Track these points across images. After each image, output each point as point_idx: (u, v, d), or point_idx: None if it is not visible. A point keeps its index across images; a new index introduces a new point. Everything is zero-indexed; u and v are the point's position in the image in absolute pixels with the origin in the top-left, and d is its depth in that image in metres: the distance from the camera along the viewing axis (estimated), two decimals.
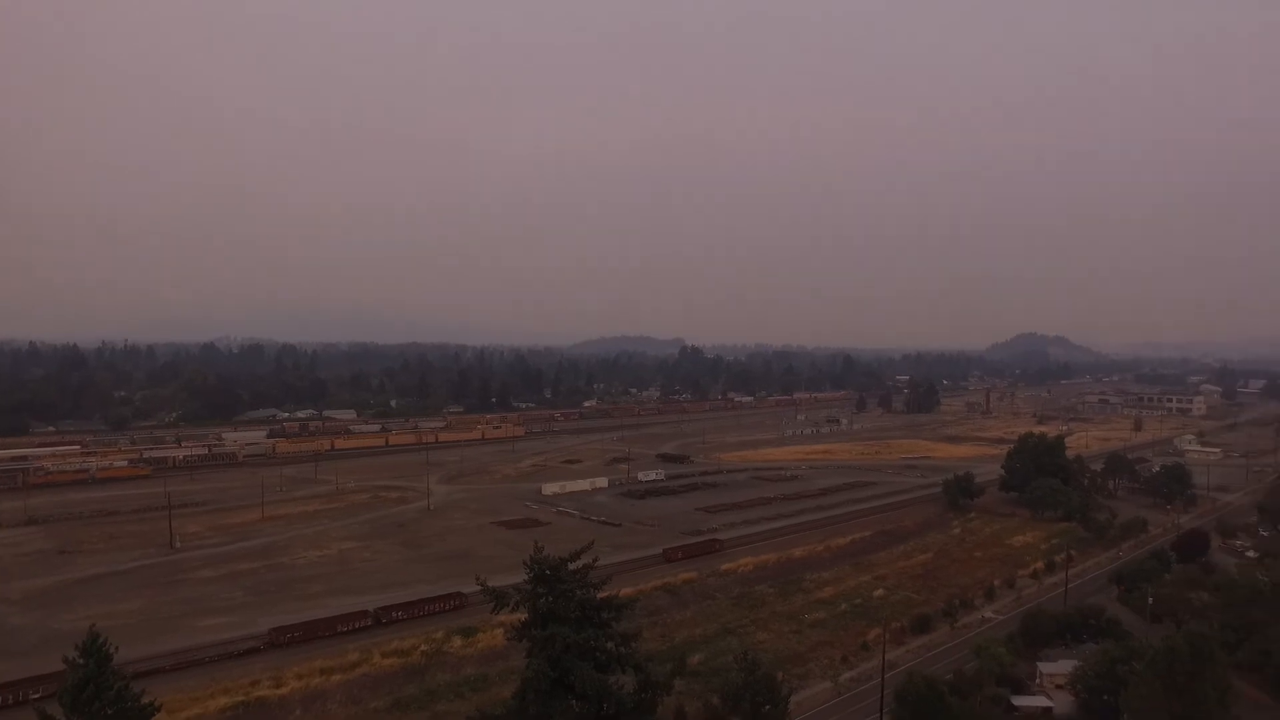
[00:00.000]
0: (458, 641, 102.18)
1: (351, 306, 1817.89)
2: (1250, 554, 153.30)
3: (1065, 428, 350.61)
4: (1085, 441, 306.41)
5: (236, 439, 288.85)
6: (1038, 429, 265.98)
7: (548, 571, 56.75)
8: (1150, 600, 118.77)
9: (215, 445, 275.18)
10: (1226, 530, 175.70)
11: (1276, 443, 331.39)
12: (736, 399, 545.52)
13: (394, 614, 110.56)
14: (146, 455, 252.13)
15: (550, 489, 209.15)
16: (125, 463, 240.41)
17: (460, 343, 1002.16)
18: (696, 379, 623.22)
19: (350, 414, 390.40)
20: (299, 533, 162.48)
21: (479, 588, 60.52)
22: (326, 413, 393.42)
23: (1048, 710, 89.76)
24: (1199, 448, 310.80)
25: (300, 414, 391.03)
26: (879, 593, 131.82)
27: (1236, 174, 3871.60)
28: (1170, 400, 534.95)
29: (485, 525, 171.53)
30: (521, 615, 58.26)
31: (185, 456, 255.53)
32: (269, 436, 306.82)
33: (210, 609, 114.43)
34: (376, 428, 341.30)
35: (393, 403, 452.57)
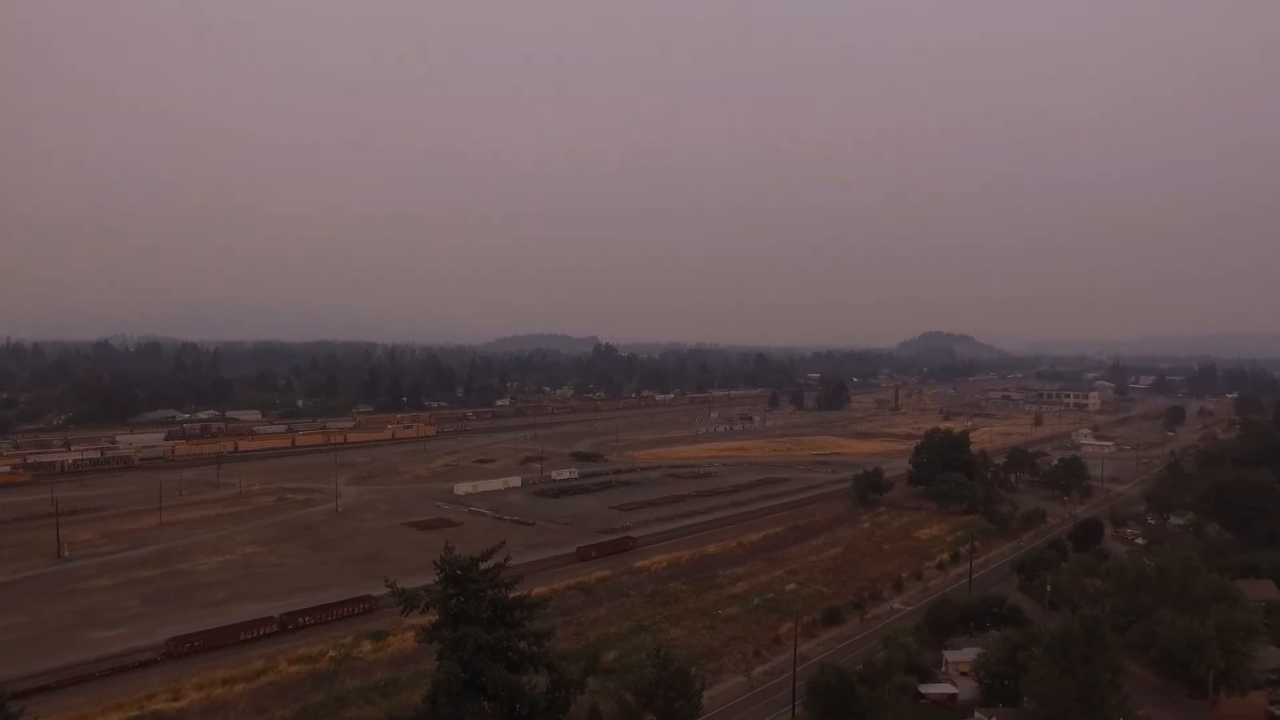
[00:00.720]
0: (368, 646, 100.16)
1: (257, 304, 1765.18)
2: (1139, 541, 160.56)
3: (970, 423, 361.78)
4: (989, 436, 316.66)
5: (132, 441, 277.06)
6: (944, 425, 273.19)
7: (459, 572, 55.95)
8: (1048, 588, 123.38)
9: (109, 448, 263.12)
10: (1119, 519, 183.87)
11: (1164, 435, 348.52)
12: (651, 397, 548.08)
13: (301, 619, 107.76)
14: (30, 460, 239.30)
15: (462, 489, 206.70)
16: (8, 468, 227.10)
17: (371, 341, 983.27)
18: (611, 377, 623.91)
19: (255, 414, 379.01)
20: (200, 538, 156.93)
21: (389, 590, 59.38)
22: (230, 413, 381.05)
23: (953, 697, 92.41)
24: (1094, 441, 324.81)
25: (202, 415, 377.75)
26: (791, 587, 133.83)
27: (1130, 179, 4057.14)
28: (1068, 396, 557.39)
29: (396, 526, 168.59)
30: (433, 617, 57.35)
31: (75, 461, 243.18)
32: (168, 438, 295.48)
33: (103, 620, 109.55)
34: (283, 428, 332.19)
35: (300, 402, 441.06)
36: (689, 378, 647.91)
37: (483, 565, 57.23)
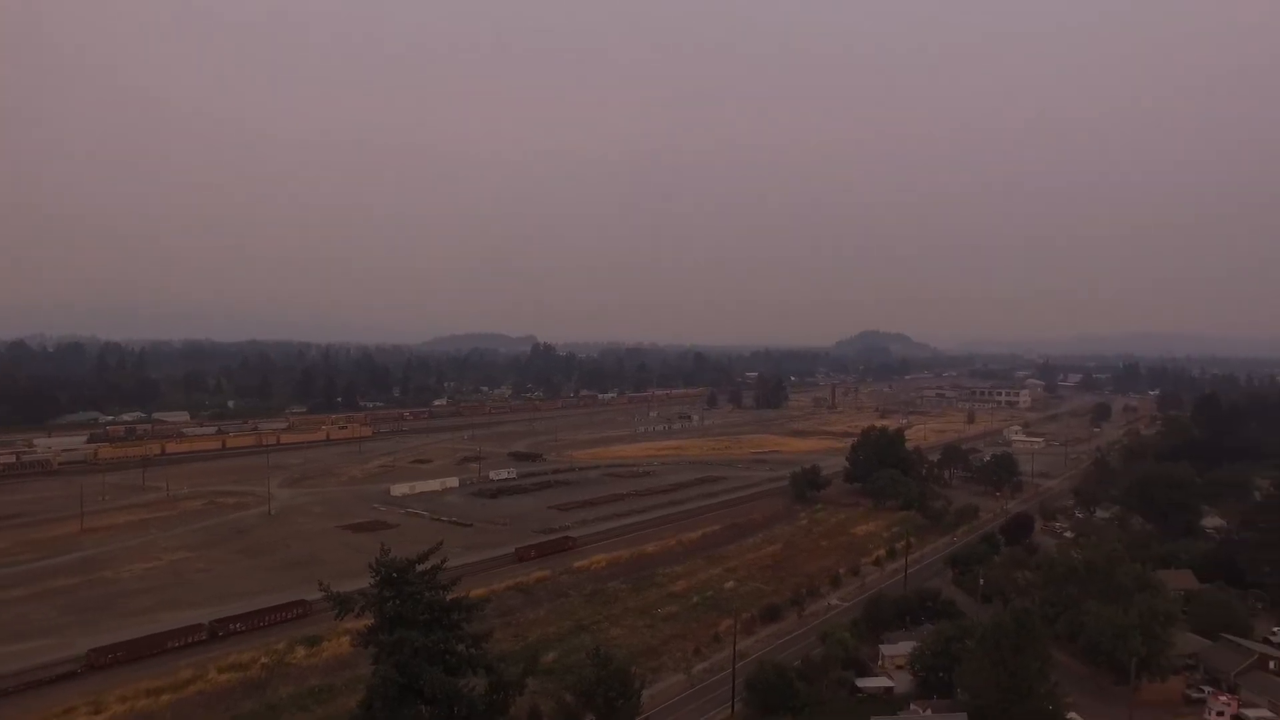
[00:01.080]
0: (301, 651, 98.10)
1: (185, 303, 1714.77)
2: (1067, 534, 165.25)
3: (905, 421, 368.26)
4: (923, 434, 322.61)
5: (50, 445, 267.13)
6: (880, 423, 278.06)
7: (395, 574, 55.12)
8: (981, 581, 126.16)
9: (25, 453, 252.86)
10: (1048, 513, 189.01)
11: (1091, 432, 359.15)
12: (589, 396, 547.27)
13: (232, 626, 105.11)
14: None
15: (399, 490, 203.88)
16: None
17: (304, 340, 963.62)
18: (549, 376, 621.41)
19: (183, 416, 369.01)
20: (124, 544, 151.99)
21: (323, 594, 58.27)
22: (156, 415, 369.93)
23: (889, 690, 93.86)
24: (1024, 437, 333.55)
25: (126, 417, 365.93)
26: (730, 584, 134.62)
27: (1062, 182, 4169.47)
28: (1000, 394, 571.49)
29: (331, 529, 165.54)
30: (368, 621, 56.36)
31: None
32: (90, 441, 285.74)
33: (19, 632, 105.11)
34: (213, 430, 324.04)
35: (231, 404, 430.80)
36: (627, 377, 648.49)
37: (419, 567, 56.51)
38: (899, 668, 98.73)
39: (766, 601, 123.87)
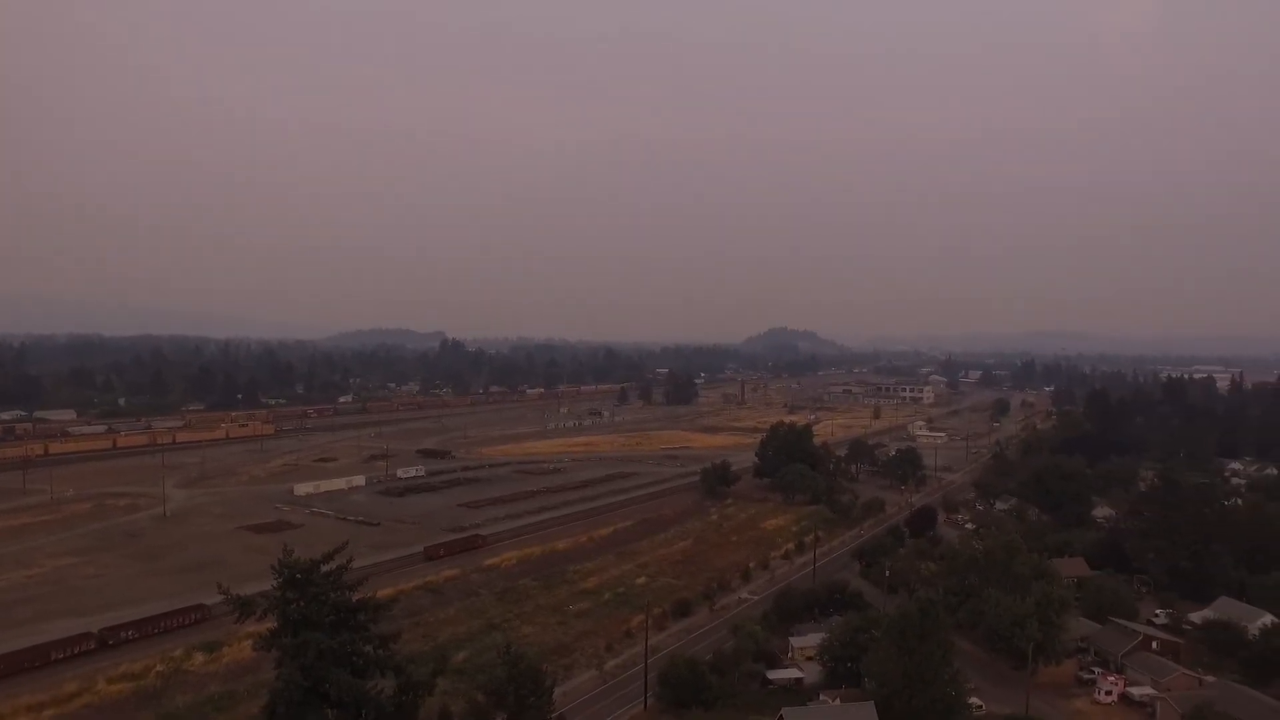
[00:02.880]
0: (200, 658, 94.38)
1: (71, 297, 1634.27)
2: (969, 526, 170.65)
3: (813, 417, 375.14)
4: (831, 429, 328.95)
5: None
6: (788, 418, 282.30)
7: (299, 575, 53.33)
8: (887, 573, 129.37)
9: None
10: (950, 506, 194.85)
11: (991, 426, 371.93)
12: (499, 393, 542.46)
13: (124, 634, 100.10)
14: None
15: (303, 489, 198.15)
16: None
17: (202, 335, 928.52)
18: (458, 373, 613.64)
19: (69, 414, 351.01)
20: (2, 551, 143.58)
21: (223, 597, 56.00)
22: (39, 413, 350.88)
23: (799, 681, 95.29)
24: (928, 433, 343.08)
25: (4, 415, 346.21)
26: (641, 580, 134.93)
27: (967, 185, 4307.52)
28: (904, 390, 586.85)
29: (232, 531, 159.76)
30: (271, 624, 54.39)
31: None
32: None
33: None
34: (102, 429, 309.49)
35: (122, 401, 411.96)
36: (538, 373, 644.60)
37: (324, 568, 54.85)
38: (808, 659, 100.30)
39: (678, 596, 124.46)
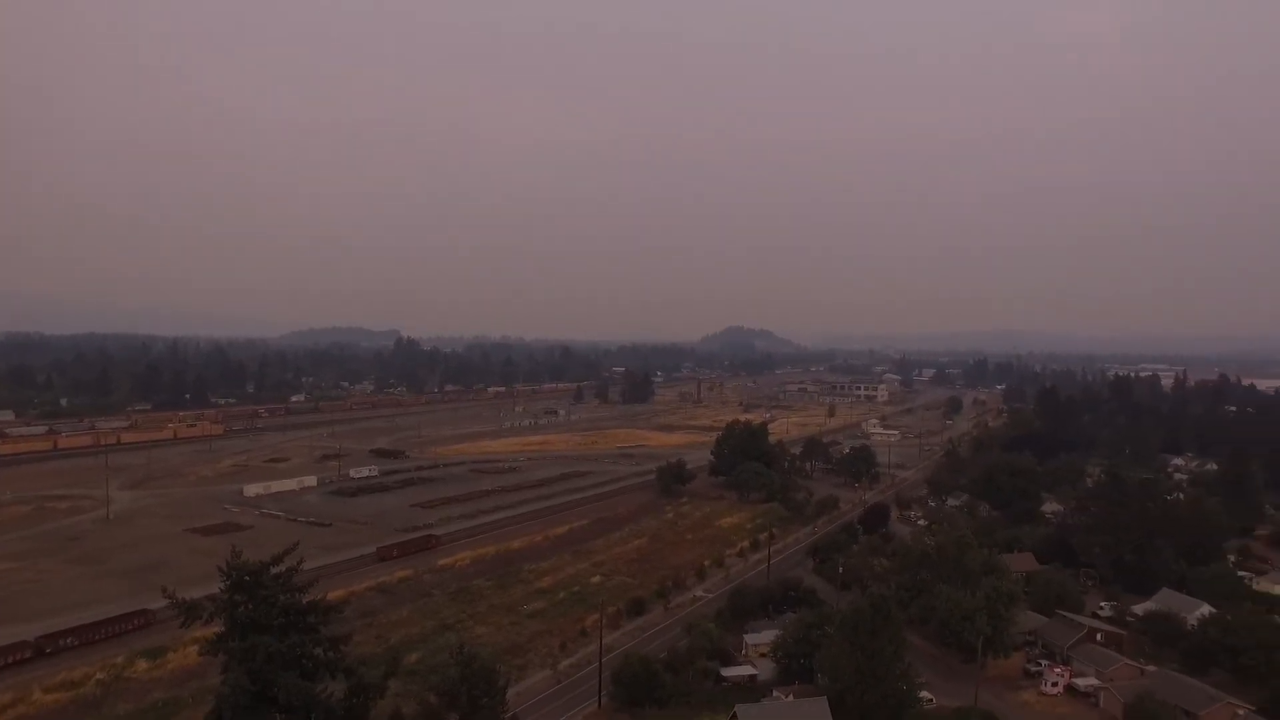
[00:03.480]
0: (143, 664, 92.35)
1: (7, 291, 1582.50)
2: (921, 522, 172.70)
3: (769, 415, 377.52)
4: (786, 428, 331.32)
5: None
6: (744, 417, 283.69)
7: (247, 577, 52.30)
8: (840, 570, 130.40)
9: None
10: (903, 503, 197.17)
11: (943, 424, 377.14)
12: (455, 391, 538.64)
13: (63, 641, 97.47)
14: None
15: (253, 490, 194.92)
16: None
17: (149, 333, 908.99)
18: (413, 372, 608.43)
19: (8, 415, 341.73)
20: None
21: (168, 601, 54.60)
22: None
23: (753, 678, 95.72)
24: (881, 430, 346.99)
25: None
26: (596, 579, 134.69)
27: (923, 189, 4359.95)
28: (859, 388, 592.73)
29: (178, 533, 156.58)
30: (218, 628, 53.33)
31: None
32: None
33: None
34: (42, 429, 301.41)
35: (64, 401, 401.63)
36: (494, 372, 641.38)
37: (274, 570, 53.82)
38: (762, 656, 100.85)
39: (633, 595, 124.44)
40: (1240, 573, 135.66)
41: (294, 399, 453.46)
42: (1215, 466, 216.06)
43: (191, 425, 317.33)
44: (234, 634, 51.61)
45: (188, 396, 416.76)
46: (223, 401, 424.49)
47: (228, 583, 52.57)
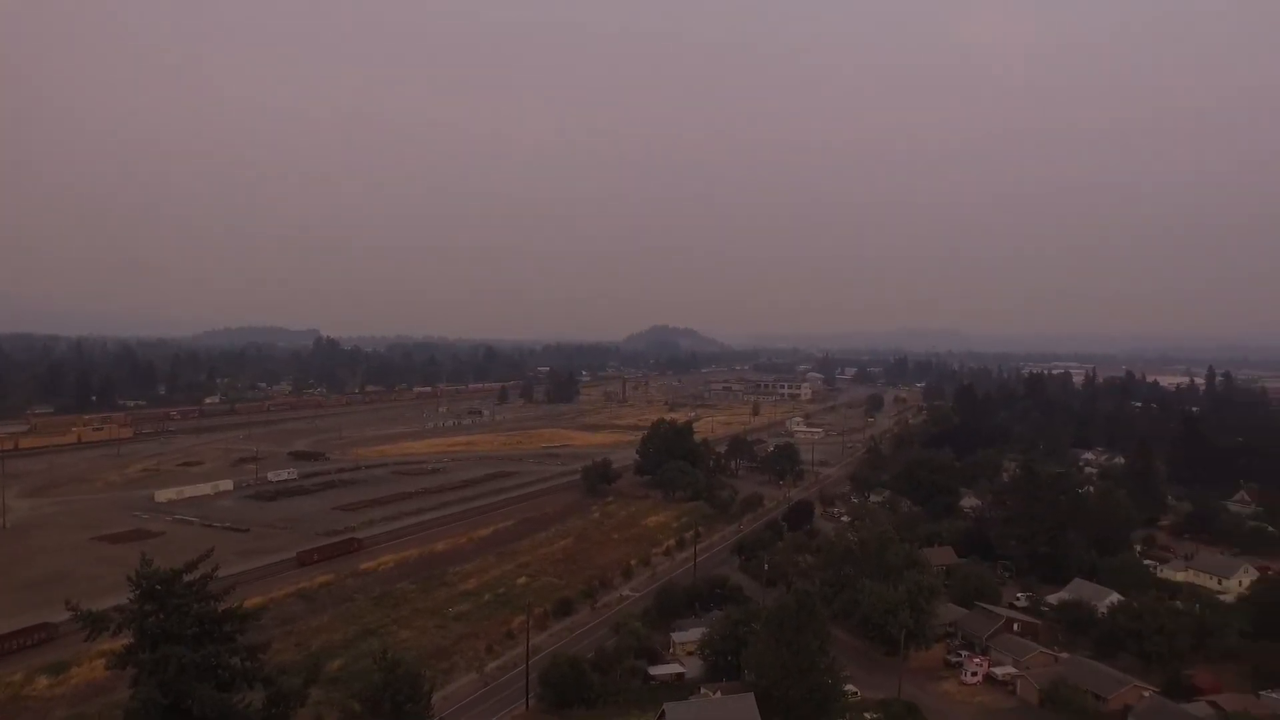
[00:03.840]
0: (44, 681, 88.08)
1: None
2: (844, 519, 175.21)
3: (694, 414, 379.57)
4: (711, 426, 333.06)
5: None
6: (669, 416, 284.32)
7: (158, 586, 50.08)
8: (766, 567, 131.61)
9: None
10: (827, 499, 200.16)
11: (865, 421, 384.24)
12: (376, 392, 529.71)
13: None
14: None
15: (165, 495, 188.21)
16: None
17: (51, 333, 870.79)
18: (333, 372, 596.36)
19: None
20: None
21: (71, 614, 51.91)
22: None
23: (680, 676, 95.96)
24: (805, 428, 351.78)
25: None
26: (522, 580, 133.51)
27: (841, 193, 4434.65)
28: (783, 387, 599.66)
29: (84, 542, 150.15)
30: (128, 639, 50.97)
31: None
32: None
33: None
34: None
35: None
36: (417, 372, 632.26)
37: (187, 577, 51.65)
38: (690, 654, 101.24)
39: (560, 595, 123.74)
40: (1146, 561, 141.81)
41: (208, 401, 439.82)
42: (1122, 460, 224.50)
43: (98, 429, 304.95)
44: (144, 646, 49.36)
45: (94, 399, 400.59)
46: (132, 404, 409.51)
47: (137, 592, 50.26)
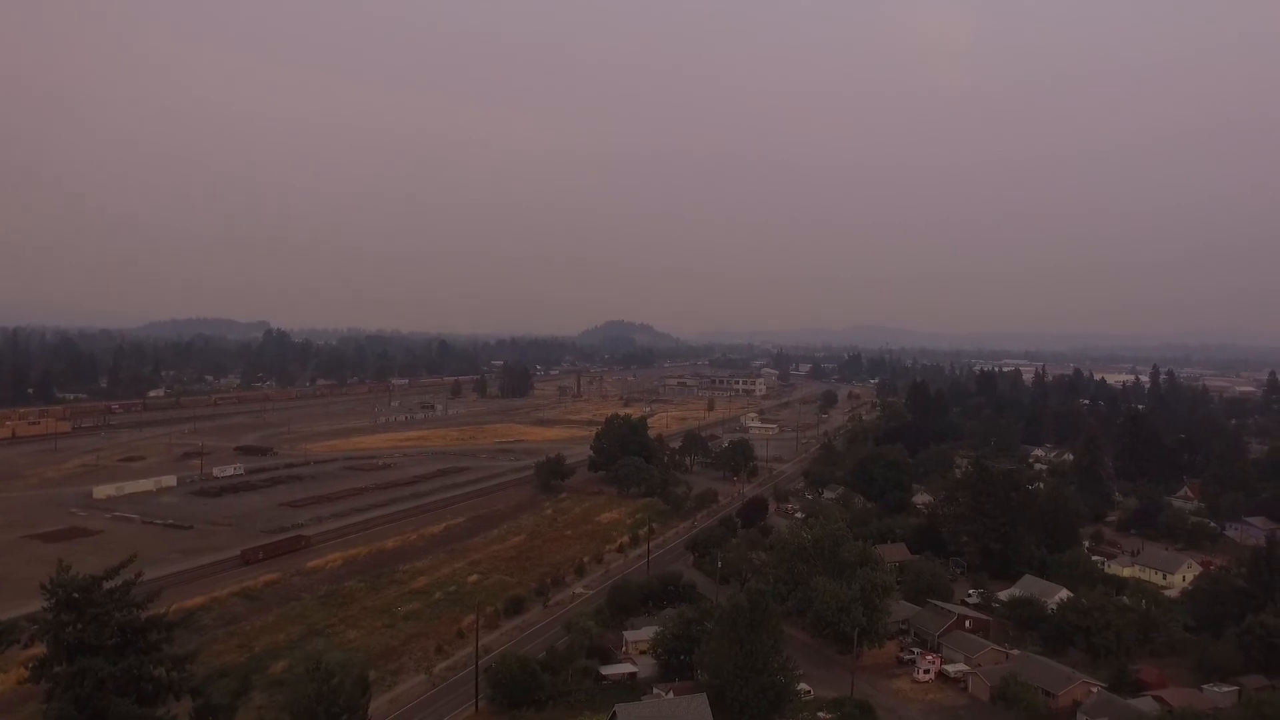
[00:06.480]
0: None
1: None
2: (798, 515, 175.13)
3: (648, 409, 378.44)
4: (666, 422, 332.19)
5: None
6: (623, 411, 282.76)
7: (75, 594, 47.27)
8: (719, 564, 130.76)
9: None
10: (781, 496, 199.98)
11: (820, 418, 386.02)
12: (327, 386, 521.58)
13: None
14: None
15: (104, 492, 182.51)
16: None
17: None
18: (283, 365, 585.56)
19: None
20: None
21: None
22: None
23: (632, 675, 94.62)
24: (760, 424, 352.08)
25: None
26: (473, 578, 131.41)
27: (794, 194, 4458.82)
28: (738, 382, 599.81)
29: (16, 541, 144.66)
30: (42, 650, 48.15)
31: None
32: None
33: None
34: None
35: None
36: (369, 366, 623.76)
37: (108, 584, 48.90)
38: (642, 653, 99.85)
39: (511, 594, 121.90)
40: (1094, 557, 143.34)
41: (152, 394, 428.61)
42: (1071, 456, 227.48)
43: (34, 423, 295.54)
44: (59, 658, 46.61)
45: (30, 392, 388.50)
46: (71, 397, 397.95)
47: (53, 601, 47.43)
